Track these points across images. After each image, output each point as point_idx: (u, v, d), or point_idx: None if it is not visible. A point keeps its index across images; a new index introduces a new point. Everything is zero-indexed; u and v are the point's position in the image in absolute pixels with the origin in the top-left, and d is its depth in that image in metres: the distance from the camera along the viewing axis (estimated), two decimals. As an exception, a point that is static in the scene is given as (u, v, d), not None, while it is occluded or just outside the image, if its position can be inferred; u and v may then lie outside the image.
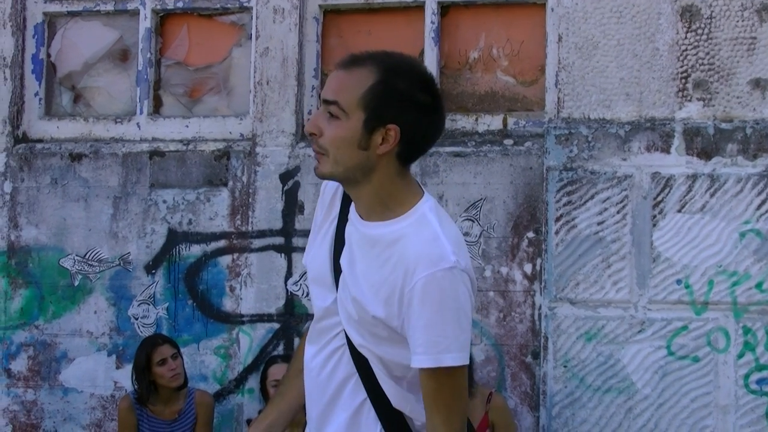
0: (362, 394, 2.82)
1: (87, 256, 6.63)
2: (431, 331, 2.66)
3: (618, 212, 5.95)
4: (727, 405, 5.81)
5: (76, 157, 6.70)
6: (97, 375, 6.60)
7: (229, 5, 6.80)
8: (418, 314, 2.66)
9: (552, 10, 6.31)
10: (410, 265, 2.68)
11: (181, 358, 6.19)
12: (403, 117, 2.70)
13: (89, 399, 6.60)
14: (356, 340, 2.78)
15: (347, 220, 2.85)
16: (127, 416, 6.17)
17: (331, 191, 2.95)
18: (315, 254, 2.93)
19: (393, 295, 2.70)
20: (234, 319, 6.46)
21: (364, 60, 2.76)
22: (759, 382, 5.80)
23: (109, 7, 6.90)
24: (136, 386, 6.16)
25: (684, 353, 5.85)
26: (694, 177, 5.91)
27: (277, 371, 5.95)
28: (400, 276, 2.69)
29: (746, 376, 5.81)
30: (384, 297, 2.71)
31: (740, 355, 5.81)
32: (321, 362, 2.88)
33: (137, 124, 6.78)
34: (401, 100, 2.71)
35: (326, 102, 2.73)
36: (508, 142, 6.22)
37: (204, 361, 6.49)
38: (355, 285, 2.76)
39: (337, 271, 2.83)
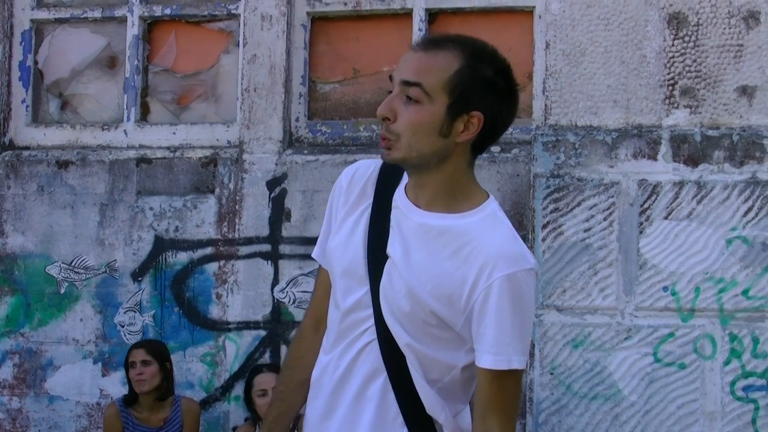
0: (390, 394, 2.66)
1: (73, 264, 6.61)
2: (506, 331, 2.55)
3: (605, 219, 5.94)
4: (714, 412, 5.80)
5: (63, 165, 6.68)
6: (83, 383, 6.58)
7: (216, 12, 6.79)
8: (495, 313, 2.55)
9: (540, 17, 6.31)
10: (489, 260, 2.55)
11: (161, 365, 6.12)
12: (487, 104, 2.58)
13: (75, 407, 6.57)
14: (400, 337, 2.62)
15: (386, 208, 2.70)
16: (113, 424, 6.14)
17: (362, 178, 2.79)
18: (344, 244, 2.74)
19: (461, 289, 2.57)
20: (221, 327, 6.44)
21: (446, 42, 2.62)
22: (745, 389, 5.79)
23: (97, 14, 6.90)
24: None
25: (671, 360, 5.84)
26: (681, 184, 5.91)
27: (262, 380, 5.93)
28: (473, 271, 2.56)
29: (733, 383, 5.80)
30: (447, 291, 2.57)
31: (727, 362, 5.80)
32: (349, 360, 2.69)
33: (124, 131, 6.77)
34: (486, 87, 2.59)
35: (406, 83, 2.58)
36: (495, 149, 6.21)
37: (190, 368, 6.47)
38: (412, 276, 2.60)
39: (377, 261, 2.66)
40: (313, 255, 2.95)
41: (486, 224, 2.62)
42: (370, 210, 2.72)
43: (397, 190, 2.72)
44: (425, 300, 2.58)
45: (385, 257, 2.65)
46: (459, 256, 2.59)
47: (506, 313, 2.54)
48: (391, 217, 2.68)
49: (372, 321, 2.65)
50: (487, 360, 2.57)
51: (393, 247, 2.65)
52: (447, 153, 2.60)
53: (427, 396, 2.65)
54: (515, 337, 2.56)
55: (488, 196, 2.69)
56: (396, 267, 2.62)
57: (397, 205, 2.69)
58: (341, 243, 2.75)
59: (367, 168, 2.82)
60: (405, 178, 2.73)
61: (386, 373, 2.65)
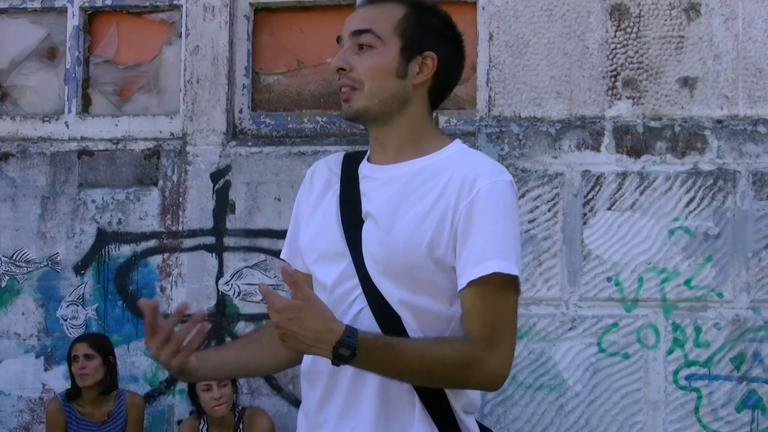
0: None
1: (14, 257, 6.54)
2: (492, 238, 2.50)
3: (549, 210, 5.97)
4: (657, 401, 5.86)
5: (3, 157, 6.61)
6: (25, 377, 6.51)
7: (158, 3, 6.74)
8: (480, 222, 2.51)
9: (483, 8, 6.32)
10: (468, 177, 2.55)
11: (104, 359, 6.06)
12: (439, 47, 2.66)
13: (17, 402, 6.51)
14: (392, 294, 2.55)
15: (354, 183, 2.70)
16: (56, 418, 6.09)
17: (324, 170, 2.82)
18: (317, 231, 2.73)
19: (445, 215, 2.54)
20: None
21: None
22: (688, 378, 5.85)
23: (37, 5, 6.82)
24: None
25: (614, 350, 5.89)
26: (624, 175, 5.95)
27: (207, 373, 5.90)
28: (454, 193, 2.54)
29: (675, 372, 5.85)
30: (433, 223, 2.54)
31: (670, 352, 5.86)
32: None
33: (66, 123, 6.70)
34: (435, 31, 2.67)
35: (357, 32, 2.63)
36: (439, 140, 6.21)
37: (134, 362, 6.43)
38: (393, 226, 2.57)
39: (353, 230, 2.63)
40: (281, 256, 2.94)
41: (459, 157, 2.65)
42: (338, 192, 2.73)
43: (360, 165, 2.74)
44: (413, 243, 2.55)
45: (361, 222, 2.64)
46: (437, 188, 2.58)
47: (491, 220, 2.51)
48: (360, 187, 2.69)
49: (359, 289, 2.60)
50: (469, 274, 2.51)
51: (366, 210, 2.64)
52: (407, 96, 2.64)
53: None
54: (501, 243, 2.51)
55: (455, 139, 2.73)
56: (377, 224, 2.60)
57: (364, 174, 2.70)
58: (315, 231, 2.74)
59: (328, 161, 2.84)
60: (367, 154, 2.76)
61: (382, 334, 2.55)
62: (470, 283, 2.50)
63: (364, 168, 2.72)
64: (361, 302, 2.60)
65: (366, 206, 2.65)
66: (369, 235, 2.61)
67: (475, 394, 2.67)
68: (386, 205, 2.61)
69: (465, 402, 2.64)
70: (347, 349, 2.39)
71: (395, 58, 2.62)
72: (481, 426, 2.71)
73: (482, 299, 2.50)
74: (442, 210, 2.55)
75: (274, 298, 2.41)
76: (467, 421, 2.64)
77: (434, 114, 2.77)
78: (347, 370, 2.55)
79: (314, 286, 2.74)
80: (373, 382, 2.56)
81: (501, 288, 2.52)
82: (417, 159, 2.65)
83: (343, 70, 2.63)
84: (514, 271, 2.51)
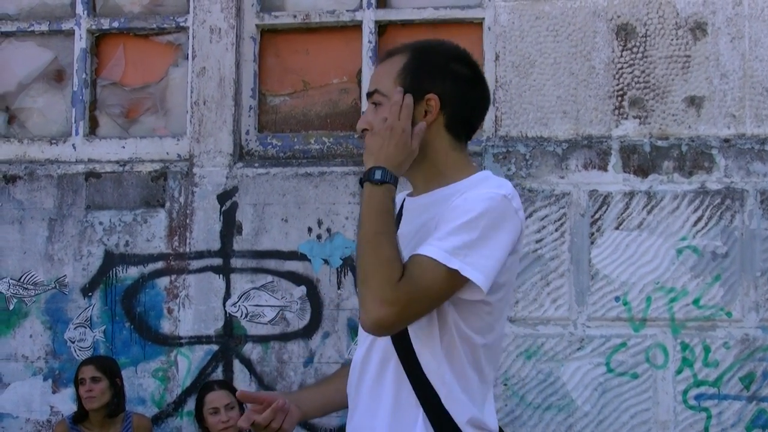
0: (403, 376, 2.75)
1: (22, 280, 6.54)
2: (458, 227, 2.62)
3: (556, 230, 5.97)
4: (667, 421, 5.84)
5: (11, 179, 6.61)
6: (32, 400, 6.50)
7: (165, 25, 6.75)
8: (453, 209, 2.66)
9: (489, 28, 6.33)
10: (465, 190, 2.71)
11: (111, 382, 6.06)
12: (441, 86, 2.80)
13: (25, 424, 6.50)
14: None
15: (398, 221, 2.87)
16: (63, 441, 6.08)
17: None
18: None
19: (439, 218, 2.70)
20: (172, 342, 6.40)
21: (395, 50, 2.89)
22: (697, 397, 5.83)
23: (44, 28, 6.84)
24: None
25: (623, 370, 5.87)
26: (631, 194, 5.94)
27: (213, 398, 5.87)
28: (449, 201, 2.71)
29: (685, 392, 5.84)
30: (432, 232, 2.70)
31: (679, 371, 5.84)
32: (364, 352, 2.83)
33: (73, 145, 6.71)
34: (435, 70, 2.82)
35: (369, 95, 2.86)
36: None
37: (142, 384, 6.42)
38: (405, 248, 2.70)
39: None
40: None
41: (475, 180, 2.80)
42: None
43: (404, 202, 2.94)
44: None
45: None
46: (442, 207, 2.73)
47: (460, 211, 2.65)
48: (400, 222, 2.87)
49: None
50: (424, 248, 2.65)
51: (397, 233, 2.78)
52: (420, 138, 2.78)
53: (431, 366, 2.72)
54: (459, 236, 2.61)
55: (482, 170, 2.88)
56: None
57: (404, 208, 2.92)
58: None
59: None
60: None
61: (396, 356, 2.75)
62: (416, 255, 2.63)
63: (406, 201, 2.94)
64: None
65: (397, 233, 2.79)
66: None
67: (482, 413, 2.78)
68: (406, 232, 2.79)
69: (471, 417, 2.75)
70: (383, 173, 2.69)
71: None
72: None
73: (413, 263, 2.62)
74: (437, 220, 2.71)
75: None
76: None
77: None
78: (366, 382, 2.80)
79: None
80: (388, 397, 2.75)
81: (429, 263, 2.61)
82: (442, 188, 2.81)
83: (366, 131, 2.83)
84: (446, 262, 2.60)
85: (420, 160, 2.81)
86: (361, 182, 2.73)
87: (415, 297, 2.61)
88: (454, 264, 2.60)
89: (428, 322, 2.71)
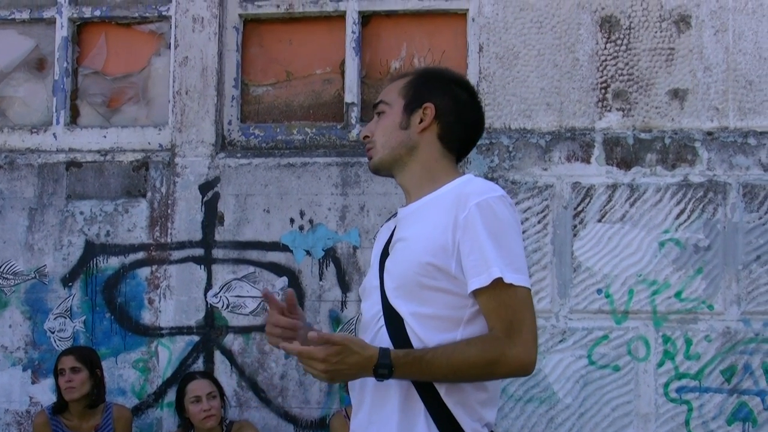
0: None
1: (2, 269, 6.50)
2: (486, 252, 2.80)
3: (539, 222, 5.96)
4: (648, 413, 5.84)
5: (-9, 168, 6.57)
6: (12, 390, 6.47)
7: (147, 14, 6.71)
8: (473, 239, 2.82)
9: (473, 20, 6.31)
10: (461, 199, 2.87)
11: (91, 372, 6.03)
12: (439, 100, 3.09)
13: (4, 415, 6.46)
14: (404, 308, 2.90)
15: (392, 231, 3.11)
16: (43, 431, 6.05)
17: (386, 228, 3.20)
18: (367, 276, 3.16)
19: (446, 234, 2.87)
20: (153, 332, 6.37)
21: (405, 73, 3.22)
22: (679, 390, 5.84)
23: (25, 16, 6.79)
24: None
25: (605, 362, 5.87)
26: (614, 187, 5.94)
27: (195, 387, 5.86)
28: (452, 212, 2.87)
29: (666, 385, 5.84)
30: (439, 242, 2.87)
31: (660, 364, 5.84)
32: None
33: (54, 134, 6.67)
34: (436, 87, 3.11)
35: (375, 105, 3.18)
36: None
37: (122, 374, 6.39)
38: (404, 250, 2.95)
39: (383, 263, 3.03)
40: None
41: (462, 182, 3.00)
42: (385, 242, 3.13)
43: (398, 215, 3.14)
44: (418, 256, 2.88)
45: (387, 255, 3.04)
46: (439, 211, 2.92)
47: (483, 235, 2.81)
48: (395, 229, 3.10)
49: (381, 311, 2.96)
50: (473, 283, 2.82)
51: (392, 243, 3.05)
52: (412, 143, 3.09)
53: None
54: (496, 254, 2.80)
55: (468, 173, 3.11)
56: (394, 249, 3.02)
57: (399, 217, 3.12)
58: (366, 278, 3.17)
59: (389, 221, 3.25)
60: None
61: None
62: (478, 291, 2.82)
63: (399, 213, 3.13)
64: (381, 321, 2.96)
65: (390, 244, 3.06)
66: (389, 261, 3.01)
67: (483, 407, 2.94)
68: (401, 234, 3.01)
69: (470, 410, 2.91)
70: (384, 369, 2.79)
71: (399, 114, 3.10)
72: None
73: (494, 301, 2.82)
74: (443, 229, 2.88)
75: (314, 351, 2.76)
76: (472, 425, 2.91)
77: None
78: (369, 386, 2.94)
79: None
80: (395, 392, 2.89)
81: (506, 288, 2.81)
82: (431, 193, 3.02)
83: (367, 137, 3.14)
84: (509, 279, 2.79)
85: (410, 165, 3.09)
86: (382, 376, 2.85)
87: (528, 317, 2.87)
88: (514, 280, 2.82)
89: (431, 320, 2.89)
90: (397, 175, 3.13)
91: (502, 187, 2.92)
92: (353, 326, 6.11)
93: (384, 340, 2.90)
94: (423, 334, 2.86)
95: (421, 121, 3.07)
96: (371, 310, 3.02)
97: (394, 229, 3.10)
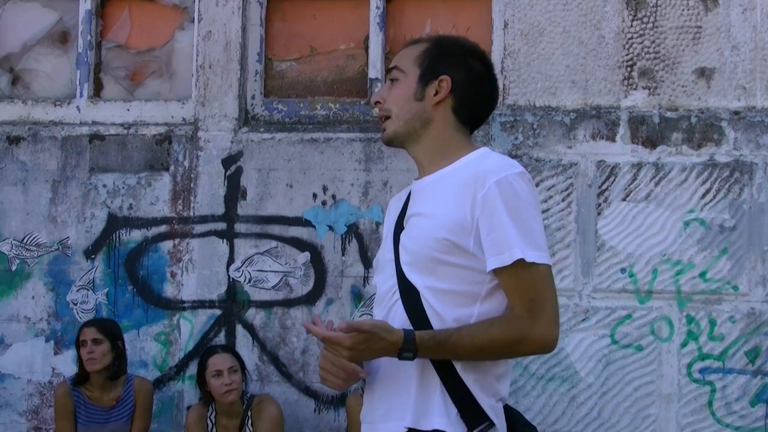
0: None
1: (25, 241, 6.52)
2: (507, 230, 2.80)
3: (563, 200, 5.94)
4: (671, 394, 5.83)
5: (14, 140, 6.58)
6: (34, 361, 6.49)
7: (171, -13, 6.71)
8: (493, 217, 2.81)
9: (498, -4, 6.28)
10: (480, 176, 2.85)
11: (112, 344, 6.04)
12: (455, 72, 3.04)
13: (26, 386, 6.49)
14: (419, 282, 2.89)
15: (405, 204, 3.08)
16: (64, 403, 6.06)
17: (398, 198, 3.19)
18: (381, 249, 3.13)
19: (465, 207, 2.85)
20: (175, 306, 6.38)
21: (420, 38, 3.17)
22: (702, 371, 5.82)
23: (49, -12, 6.79)
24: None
25: (628, 342, 5.86)
26: (639, 165, 5.91)
27: (217, 361, 5.87)
28: (471, 189, 2.85)
29: (689, 365, 5.82)
30: (457, 218, 2.86)
31: (684, 344, 5.83)
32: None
33: (77, 107, 6.67)
34: (452, 59, 3.06)
35: (388, 70, 3.13)
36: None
37: (144, 347, 6.40)
38: (420, 225, 2.93)
39: (398, 236, 3.01)
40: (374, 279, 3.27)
41: (476, 156, 2.98)
42: (398, 215, 3.10)
43: (413, 187, 3.11)
44: (436, 231, 2.87)
45: (402, 228, 3.02)
46: (457, 185, 2.90)
47: (503, 213, 2.81)
48: (409, 202, 3.07)
49: (396, 285, 2.95)
50: (493, 262, 2.82)
51: (407, 217, 3.02)
52: (427, 116, 3.05)
53: None
54: (517, 233, 2.80)
55: (483, 147, 3.07)
56: (409, 224, 2.99)
57: (412, 190, 3.09)
58: (380, 250, 3.15)
59: (400, 192, 3.23)
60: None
61: (412, 327, 2.86)
62: (499, 270, 2.82)
63: (413, 186, 3.10)
64: (396, 294, 2.94)
65: (405, 218, 3.03)
66: (404, 236, 2.99)
67: (499, 382, 2.93)
68: (416, 209, 2.99)
69: (486, 386, 2.90)
70: (409, 353, 2.80)
71: (413, 84, 3.05)
72: (511, 410, 3.01)
73: (515, 279, 2.82)
74: (461, 204, 2.87)
75: (342, 339, 2.78)
76: (488, 401, 2.88)
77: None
78: (384, 360, 2.90)
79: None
80: (412, 368, 2.86)
81: (528, 266, 2.81)
82: (446, 167, 2.99)
83: (379, 102, 3.10)
84: (531, 257, 2.80)
85: (424, 138, 3.05)
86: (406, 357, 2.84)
87: (550, 295, 2.89)
88: (534, 258, 2.82)
89: (447, 295, 2.87)
90: (409, 147, 3.10)
91: (526, 165, 2.93)
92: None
93: (399, 314, 2.90)
94: (440, 308, 2.86)
95: (437, 93, 3.03)
96: (386, 283, 3.00)
97: (406, 202, 3.08)
